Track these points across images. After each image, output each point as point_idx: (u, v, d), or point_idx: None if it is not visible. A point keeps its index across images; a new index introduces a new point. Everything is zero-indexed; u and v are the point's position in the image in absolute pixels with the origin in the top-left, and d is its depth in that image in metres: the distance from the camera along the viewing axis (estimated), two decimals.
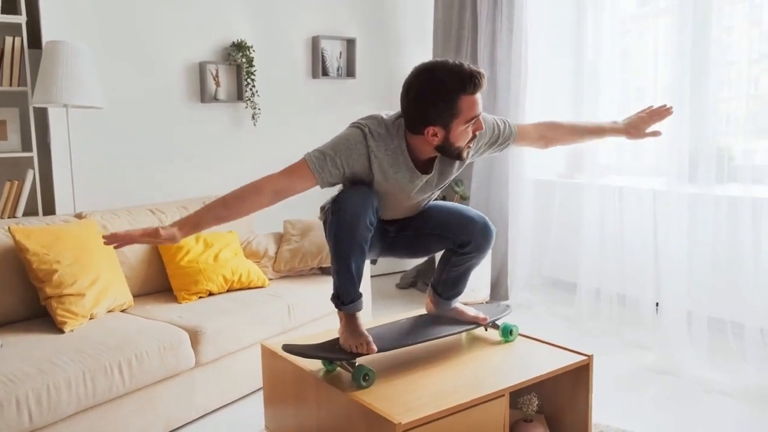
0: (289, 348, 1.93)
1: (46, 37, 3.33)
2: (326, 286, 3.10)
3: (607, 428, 2.40)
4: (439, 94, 1.74)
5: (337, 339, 1.97)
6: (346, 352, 1.87)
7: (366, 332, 1.90)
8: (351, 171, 1.84)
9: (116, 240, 1.71)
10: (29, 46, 3.28)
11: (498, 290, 4.07)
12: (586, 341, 3.31)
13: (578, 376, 2.10)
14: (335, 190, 1.97)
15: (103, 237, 1.71)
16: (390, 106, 4.70)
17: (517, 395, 2.13)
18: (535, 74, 3.95)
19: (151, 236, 1.73)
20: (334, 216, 1.81)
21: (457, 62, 1.75)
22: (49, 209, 3.43)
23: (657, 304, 3.23)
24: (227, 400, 2.63)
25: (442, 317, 2.23)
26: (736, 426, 2.42)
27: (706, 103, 3.10)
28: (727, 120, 3.15)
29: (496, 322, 2.24)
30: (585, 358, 2.06)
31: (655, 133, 2.09)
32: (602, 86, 3.61)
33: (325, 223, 2.00)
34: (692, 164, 3.06)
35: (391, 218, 2.06)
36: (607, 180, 3.54)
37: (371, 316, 3.43)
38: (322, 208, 2.06)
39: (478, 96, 1.78)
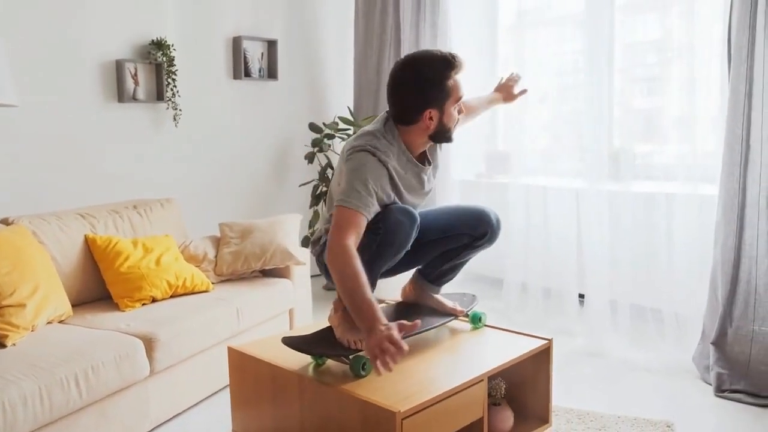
0: (288, 341, 1.91)
1: None
2: (271, 288, 3.06)
3: (557, 407, 2.57)
4: (430, 78, 1.87)
5: (327, 329, 1.97)
6: (344, 347, 1.88)
7: None
8: (382, 191, 1.88)
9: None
10: None
11: None
12: None
13: (539, 359, 2.24)
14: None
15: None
16: (312, 109, 4.70)
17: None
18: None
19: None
20: (378, 235, 1.85)
21: (432, 50, 1.92)
22: None
23: (581, 295, 3.48)
24: (182, 407, 2.54)
25: (422, 308, 2.29)
26: (659, 396, 2.70)
27: (613, 107, 3.43)
28: (626, 122, 3.51)
29: (468, 312, 2.34)
30: (546, 341, 2.21)
31: (523, 91, 2.44)
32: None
33: (320, 256, 2.02)
34: (611, 164, 3.35)
35: None
36: (531, 179, 3.75)
37: (312, 318, 3.43)
38: (314, 243, 2.07)
39: (460, 77, 1.92)
